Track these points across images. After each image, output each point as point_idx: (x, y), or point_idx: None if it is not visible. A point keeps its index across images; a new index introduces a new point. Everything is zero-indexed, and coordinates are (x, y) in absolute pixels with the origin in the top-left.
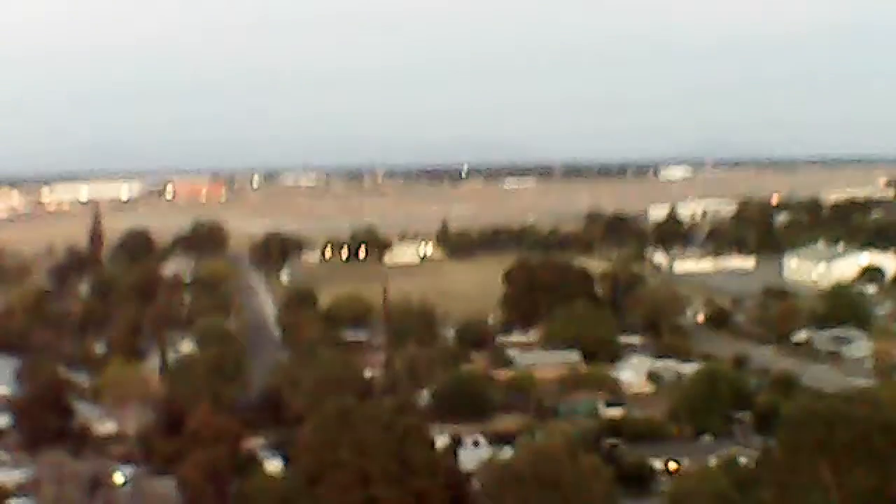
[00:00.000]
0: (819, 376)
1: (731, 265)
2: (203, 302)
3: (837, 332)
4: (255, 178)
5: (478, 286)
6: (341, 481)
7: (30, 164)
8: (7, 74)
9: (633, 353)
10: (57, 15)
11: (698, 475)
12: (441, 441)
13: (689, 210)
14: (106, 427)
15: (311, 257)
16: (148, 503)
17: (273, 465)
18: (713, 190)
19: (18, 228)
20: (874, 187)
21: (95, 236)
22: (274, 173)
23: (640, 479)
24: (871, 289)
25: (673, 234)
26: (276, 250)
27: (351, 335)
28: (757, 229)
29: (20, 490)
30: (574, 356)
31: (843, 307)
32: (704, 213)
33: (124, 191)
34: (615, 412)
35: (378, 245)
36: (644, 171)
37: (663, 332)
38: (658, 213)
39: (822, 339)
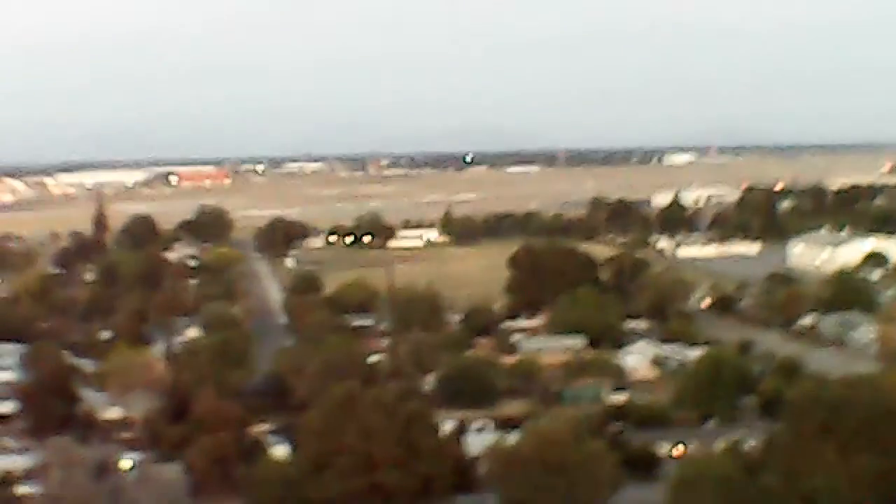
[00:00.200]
0: (823, 362)
1: (736, 251)
2: (208, 288)
3: (842, 317)
4: (260, 166)
5: (482, 272)
6: (347, 467)
7: (35, 153)
8: (11, 64)
9: (638, 339)
10: (61, 4)
11: (703, 460)
12: (446, 427)
13: (693, 196)
14: (112, 413)
15: (316, 243)
16: (154, 489)
17: (279, 451)
18: (717, 176)
19: (23, 215)
20: (878, 173)
21: (100, 222)
22: (278, 161)
23: (645, 464)
24: (875, 274)
25: (677, 220)
26: (280, 236)
27: (356, 321)
28: (761, 215)
29: (27, 476)
30: (579, 342)
31: (847, 293)
32: (709, 199)
33: (129, 179)
34: (620, 397)
35: (383, 231)
36: (648, 157)
37: (668, 318)
38: (662, 199)
39: (827, 324)
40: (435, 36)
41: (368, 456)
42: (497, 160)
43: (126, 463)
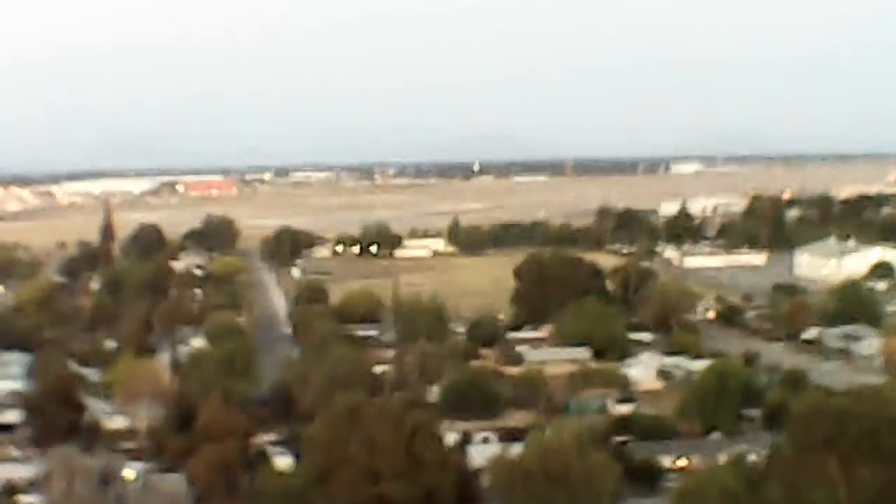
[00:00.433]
0: (828, 374)
1: (742, 261)
2: (214, 297)
3: (847, 329)
4: (267, 175)
5: (489, 282)
6: (351, 478)
7: (42, 162)
8: (19, 72)
9: (644, 350)
10: (69, 14)
11: (707, 472)
12: (451, 438)
13: (699, 206)
14: (117, 423)
15: (323, 253)
16: (158, 499)
17: (283, 462)
18: (724, 185)
19: (30, 224)
20: (885, 183)
21: (106, 231)
22: (285, 171)
23: (649, 476)
24: (881, 285)
25: (684, 229)
26: (287, 246)
27: (361, 331)
28: (768, 225)
29: (31, 485)
30: (584, 353)
31: (853, 304)
32: (715, 209)
33: (135, 188)
34: (625, 409)
35: (389, 241)
36: (655, 166)
37: (674, 329)
38: (669, 208)
39: (832, 336)
40: (441, 46)
41: (372, 467)
42: (504, 169)
43: (130, 472)
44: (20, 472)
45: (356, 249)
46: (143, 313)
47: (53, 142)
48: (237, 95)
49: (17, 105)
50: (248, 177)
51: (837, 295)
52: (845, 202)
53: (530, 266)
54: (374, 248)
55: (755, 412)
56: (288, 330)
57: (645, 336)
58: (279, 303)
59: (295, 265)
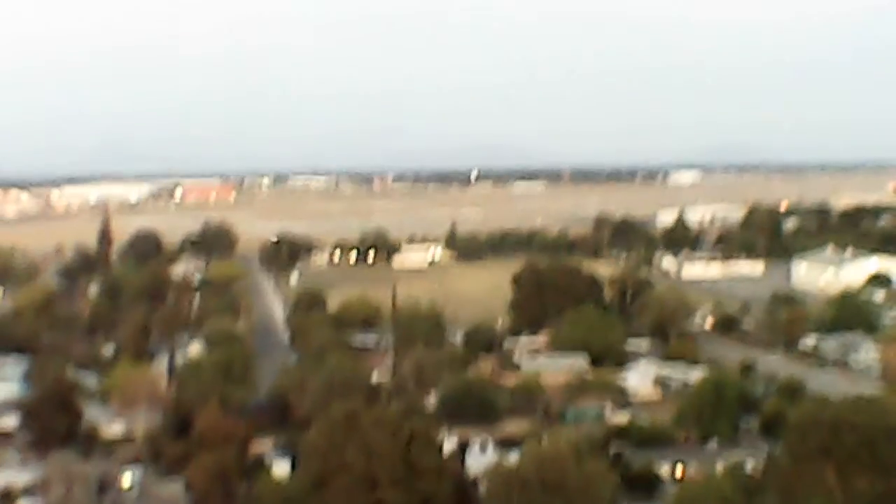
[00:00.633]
0: (825, 383)
1: (740, 270)
2: (212, 304)
3: (845, 338)
4: (265, 181)
5: (486, 290)
6: (348, 485)
7: (39, 166)
8: (18, 76)
9: (641, 359)
10: (68, 19)
11: (704, 481)
12: (448, 445)
13: (697, 215)
14: (114, 429)
15: (320, 259)
16: None
17: (280, 468)
18: (722, 195)
19: (27, 229)
20: (883, 193)
21: (104, 237)
22: (283, 177)
23: (646, 484)
24: (879, 295)
25: (681, 238)
26: (285, 252)
27: (359, 338)
28: (765, 235)
29: (28, 491)
30: (581, 361)
31: (850, 313)
32: (713, 219)
33: (133, 193)
34: (622, 417)
35: (387, 248)
36: (653, 175)
37: (671, 338)
38: (667, 217)
39: (830, 345)
40: (440, 54)
41: (370, 474)
42: (502, 177)
43: (127, 479)
44: (17, 477)
45: (354, 255)
46: (141, 319)
47: (52, 146)
48: (236, 100)
49: (16, 109)
50: (246, 182)
51: (835, 304)
52: (843, 212)
53: (528, 274)
54: (371, 255)
55: (752, 421)
56: (285, 336)
57: (642, 345)
58: (277, 309)
59: (293, 271)
